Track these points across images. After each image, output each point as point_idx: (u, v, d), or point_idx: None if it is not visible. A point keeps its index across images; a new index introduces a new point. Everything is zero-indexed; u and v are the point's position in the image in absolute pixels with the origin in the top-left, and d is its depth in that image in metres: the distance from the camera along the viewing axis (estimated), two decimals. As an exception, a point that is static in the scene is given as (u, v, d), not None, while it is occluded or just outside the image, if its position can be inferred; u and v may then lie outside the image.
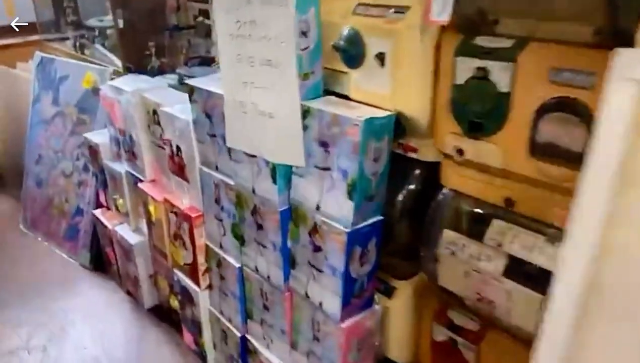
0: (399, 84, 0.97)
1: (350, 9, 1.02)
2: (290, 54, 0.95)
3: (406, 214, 1.13)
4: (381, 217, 1.06)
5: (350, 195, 0.98)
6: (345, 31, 1.02)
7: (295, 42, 0.94)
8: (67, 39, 2.65)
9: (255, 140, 1.09)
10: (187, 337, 1.68)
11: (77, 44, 2.50)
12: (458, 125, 0.93)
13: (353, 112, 0.97)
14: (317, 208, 1.05)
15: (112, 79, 2.00)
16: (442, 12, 0.85)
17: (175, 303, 1.72)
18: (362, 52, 1.00)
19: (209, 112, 1.22)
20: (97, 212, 2.01)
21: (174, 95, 1.52)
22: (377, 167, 1.03)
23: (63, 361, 1.70)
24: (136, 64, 1.93)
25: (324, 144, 1.00)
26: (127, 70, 1.93)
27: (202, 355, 1.62)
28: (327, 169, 1.01)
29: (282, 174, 1.09)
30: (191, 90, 1.25)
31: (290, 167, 1.08)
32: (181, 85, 1.70)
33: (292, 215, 1.12)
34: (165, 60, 1.89)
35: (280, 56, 0.97)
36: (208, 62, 1.73)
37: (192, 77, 1.65)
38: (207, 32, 1.80)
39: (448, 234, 1.00)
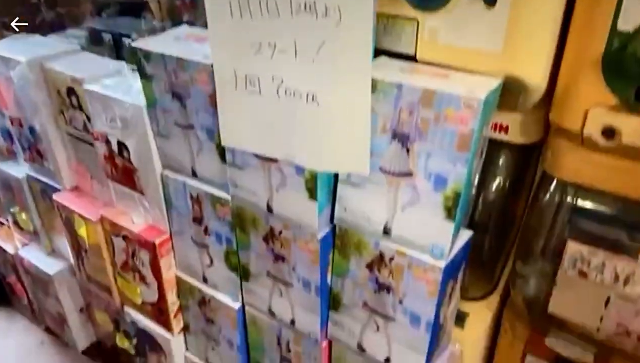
0: (517, 33, 0.61)
1: None
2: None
3: (492, 217, 0.82)
4: (471, 232, 0.74)
5: (448, 212, 0.64)
6: (418, -48, 0.63)
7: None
8: None
9: (280, 137, 0.69)
10: (151, 388, 1.26)
11: None
12: (613, 94, 0.61)
13: (451, 84, 0.61)
14: (386, 231, 0.70)
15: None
16: None
17: (125, 344, 1.28)
18: (451, -14, 0.63)
19: (179, 91, 0.78)
20: (-14, 231, 1.45)
21: (96, 63, 1.02)
22: (480, 163, 0.69)
23: None
24: (16, 19, 1.34)
25: (402, 138, 0.63)
26: (4, 28, 1.33)
27: (176, 409, 1.23)
28: (405, 174, 0.65)
29: (325, 185, 0.71)
30: (142, 58, 0.79)
31: (335, 173, 0.71)
32: (96, 44, 1.19)
33: (336, 243, 0.75)
34: (61, 11, 1.32)
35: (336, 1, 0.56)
36: (133, 9, 1.21)
37: (114, 34, 1.15)
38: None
39: (575, 247, 0.71)
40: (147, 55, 0.78)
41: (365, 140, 0.64)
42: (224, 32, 0.66)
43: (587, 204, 0.70)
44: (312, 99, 0.63)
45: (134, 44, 0.80)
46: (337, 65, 0.61)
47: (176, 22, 1.08)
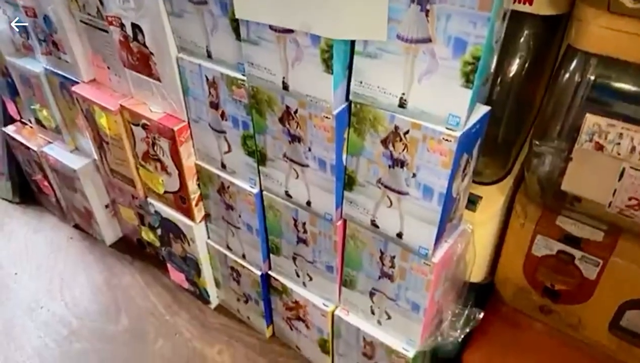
0: None
1: None
2: None
3: (510, 96, 0.80)
4: (489, 108, 0.73)
5: (467, 78, 0.63)
6: None
7: None
8: None
9: (295, 5, 0.67)
10: (176, 276, 1.34)
11: None
12: (647, -49, 0.58)
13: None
14: (401, 105, 0.69)
15: None
16: None
17: (150, 236, 1.35)
18: None
19: (192, -37, 0.75)
20: (10, 130, 1.49)
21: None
22: (502, 29, 0.67)
23: (17, 336, 1.32)
24: None
25: (420, 0, 0.61)
26: None
27: (200, 294, 1.31)
28: (424, 40, 0.64)
29: (341, 57, 0.70)
30: None
31: (352, 44, 0.69)
32: None
33: (352, 120, 0.76)
34: None
35: None
36: None
37: None
38: None
39: (594, 120, 0.70)
40: None
41: (382, 4, 0.62)
42: None
43: (610, 77, 0.69)
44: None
45: None
46: None
47: None
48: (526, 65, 0.79)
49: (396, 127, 0.71)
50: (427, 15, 0.62)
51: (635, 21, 0.62)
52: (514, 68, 0.79)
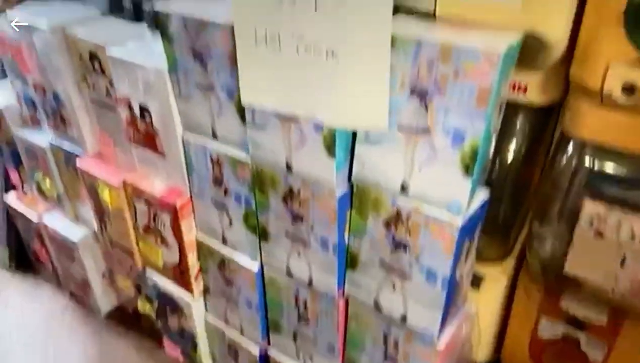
0: (538, -11, 0.61)
1: None
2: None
3: (508, 179, 0.82)
4: (488, 191, 0.75)
5: (466, 168, 0.65)
6: None
7: None
8: None
9: (299, 94, 0.70)
10: (172, 349, 1.31)
11: None
12: (634, 48, 0.61)
13: (470, 39, 0.61)
14: (403, 189, 0.71)
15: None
16: None
17: (147, 308, 1.32)
18: (471, -60, 0.63)
19: (200, 52, 0.79)
20: (10, 198, 1.49)
21: (117, 28, 1.04)
22: (499, 121, 0.70)
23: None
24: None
25: (420, 94, 0.64)
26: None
27: (196, 370, 1.27)
28: (423, 131, 0.66)
29: (343, 143, 0.72)
30: (164, 21, 0.81)
31: (353, 131, 0.72)
32: (117, 10, 1.20)
33: (354, 201, 0.77)
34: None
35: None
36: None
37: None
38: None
39: (592, 206, 0.71)
40: (169, 17, 0.79)
41: (383, 97, 0.65)
42: (245, -10, 0.67)
43: (605, 164, 0.71)
44: (332, 55, 0.64)
45: (155, 7, 0.81)
46: (357, 22, 0.61)
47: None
48: (523, 148, 0.81)
49: (398, 211, 0.72)
50: (426, 108, 0.64)
51: (629, 114, 0.65)
52: (511, 151, 0.81)
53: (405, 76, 0.64)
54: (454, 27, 0.65)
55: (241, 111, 0.80)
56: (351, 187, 0.76)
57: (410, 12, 0.70)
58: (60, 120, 1.16)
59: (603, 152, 0.70)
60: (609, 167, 0.71)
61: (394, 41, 0.62)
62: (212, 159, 0.90)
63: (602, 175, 0.71)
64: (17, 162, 1.40)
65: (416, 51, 0.62)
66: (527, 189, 0.85)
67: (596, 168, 0.71)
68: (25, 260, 1.64)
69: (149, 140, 0.98)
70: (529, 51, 0.66)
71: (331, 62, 0.65)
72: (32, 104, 1.23)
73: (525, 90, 0.75)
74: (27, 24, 1.06)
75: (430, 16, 0.69)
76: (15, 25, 1.09)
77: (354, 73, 0.64)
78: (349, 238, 0.80)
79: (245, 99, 0.76)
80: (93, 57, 0.99)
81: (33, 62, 1.10)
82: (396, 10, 0.69)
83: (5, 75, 1.28)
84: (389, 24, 0.61)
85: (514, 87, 0.75)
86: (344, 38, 0.63)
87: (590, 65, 0.64)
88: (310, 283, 0.88)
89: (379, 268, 0.79)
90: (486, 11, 0.65)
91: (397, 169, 0.70)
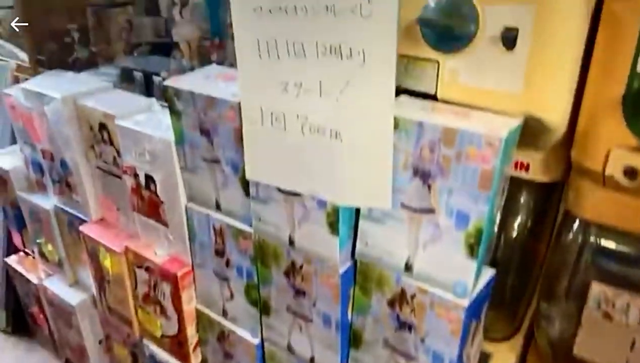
0: (537, 75, 0.63)
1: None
2: (387, 32, 0.57)
3: (514, 255, 0.81)
4: (494, 271, 0.74)
5: (471, 250, 0.64)
6: (439, -3, 0.66)
7: (396, 12, 0.57)
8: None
9: (303, 172, 0.70)
10: (167, 423, 1.25)
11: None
12: (634, 135, 0.62)
13: (472, 123, 0.62)
14: (407, 268, 0.70)
15: (15, 78, 1.47)
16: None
17: (143, 378, 1.28)
18: (472, 29, 0.65)
19: (207, 127, 0.81)
20: (12, 260, 1.48)
21: (127, 99, 1.07)
22: (502, 200, 0.70)
23: None
24: (51, 56, 1.41)
25: (423, 175, 0.65)
26: (39, 65, 1.41)
27: None
28: (427, 211, 0.66)
29: (347, 220, 0.72)
30: (173, 96, 0.83)
31: (357, 208, 0.72)
32: (128, 82, 1.25)
33: (358, 278, 0.76)
34: (95, 49, 1.39)
35: (363, 37, 0.59)
36: (164, 48, 1.27)
37: (145, 72, 1.21)
38: (154, 9, 1.33)
39: (599, 288, 0.70)
40: (178, 92, 0.82)
41: (387, 177, 0.65)
42: (252, 71, 0.69)
43: (611, 244, 0.70)
44: (336, 136, 0.65)
45: (165, 82, 0.83)
46: (360, 104, 0.63)
47: (204, 61, 1.13)
48: (528, 224, 0.80)
49: (402, 290, 0.71)
50: (429, 189, 0.65)
51: (632, 195, 0.65)
52: (516, 227, 0.81)
53: (408, 157, 0.65)
54: (456, 110, 0.66)
55: (245, 185, 0.80)
56: (355, 262, 0.76)
57: (413, 93, 0.72)
58: (66, 185, 1.17)
59: (608, 231, 0.70)
60: (615, 247, 0.70)
61: (397, 123, 0.64)
62: (214, 229, 0.89)
63: (609, 255, 0.70)
64: (21, 225, 1.41)
65: (418, 133, 0.63)
66: (533, 265, 0.83)
67: (602, 248, 0.70)
68: (22, 324, 1.61)
69: (152, 208, 0.98)
70: (530, 132, 0.67)
71: (335, 142, 0.66)
72: (39, 169, 1.25)
73: (527, 168, 0.75)
74: (40, 93, 1.09)
75: (433, 98, 0.71)
76: (29, 94, 1.12)
77: (358, 153, 0.65)
78: (352, 316, 0.79)
79: (250, 175, 0.76)
80: (102, 126, 1.01)
81: (43, 130, 1.13)
82: (399, 91, 0.72)
83: (14, 141, 1.31)
84: (391, 109, 0.62)
85: (517, 166, 0.76)
86: (348, 120, 0.64)
87: (591, 149, 0.65)
88: (312, 360, 0.85)
89: (383, 348, 0.76)
90: (487, 95, 0.66)
91: (401, 247, 0.69)
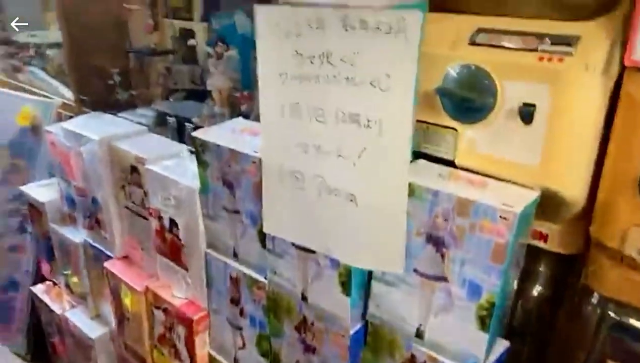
0: (554, 150, 0.63)
1: (465, 37, 0.69)
2: (404, 107, 0.59)
3: (529, 326, 0.79)
4: (508, 343, 0.72)
5: (482, 323, 0.63)
6: (459, 69, 0.68)
7: (413, 89, 0.59)
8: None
9: (318, 230, 0.72)
10: None
11: (9, 66, 2.01)
12: (652, 217, 0.61)
13: (487, 194, 0.62)
14: (419, 334, 0.69)
15: (59, 115, 1.56)
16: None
17: (153, 418, 1.28)
18: (490, 102, 0.66)
19: (230, 179, 0.83)
20: (38, 289, 1.53)
21: (159, 144, 1.11)
22: (517, 272, 0.69)
23: None
24: (94, 96, 1.49)
25: (437, 243, 0.65)
26: (82, 104, 1.49)
27: None
28: (440, 278, 0.66)
29: (359, 281, 0.72)
30: (200, 147, 0.86)
31: (370, 270, 0.72)
32: (162, 125, 1.30)
33: (368, 340, 0.75)
34: (134, 93, 1.47)
35: (380, 109, 0.61)
36: (198, 95, 1.33)
37: (179, 117, 1.26)
38: (192, 59, 1.40)
39: (618, 369, 0.68)
40: (205, 144, 0.85)
41: (400, 242, 0.66)
42: (274, 131, 0.72)
43: (629, 321, 0.68)
44: (352, 199, 0.67)
45: (193, 134, 0.87)
46: (376, 170, 0.64)
47: (234, 110, 1.17)
48: (546, 294, 0.79)
49: (413, 356, 0.70)
50: (442, 257, 0.65)
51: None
52: (533, 296, 0.79)
53: (422, 224, 0.65)
54: (472, 179, 0.67)
55: (262, 237, 0.82)
56: (366, 323, 0.75)
57: (432, 157, 0.73)
58: (95, 222, 1.21)
59: (627, 307, 0.68)
60: (634, 324, 0.68)
61: (412, 190, 0.65)
62: (231, 277, 0.91)
63: (627, 332, 0.68)
64: (50, 255, 1.46)
65: (433, 201, 0.64)
66: (550, 337, 0.81)
67: (620, 324, 0.68)
68: (41, 352, 1.64)
69: (174, 251, 1.01)
70: (548, 205, 0.67)
71: (351, 205, 0.67)
72: (72, 204, 1.30)
73: (546, 239, 0.75)
74: (78, 134, 1.15)
75: (450, 163, 0.72)
76: (68, 134, 1.18)
77: (373, 217, 0.66)
78: (361, 377, 0.78)
79: (267, 228, 0.78)
80: (133, 168, 1.06)
81: (79, 168, 1.18)
82: (418, 155, 0.73)
83: (54, 174, 1.37)
84: (406, 177, 0.63)
85: (535, 235, 0.75)
86: (364, 184, 0.65)
87: (610, 227, 0.64)
88: (319, 418, 0.84)
89: (391, 413, 0.75)
90: (505, 165, 0.67)
91: (413, 313, 0.69)
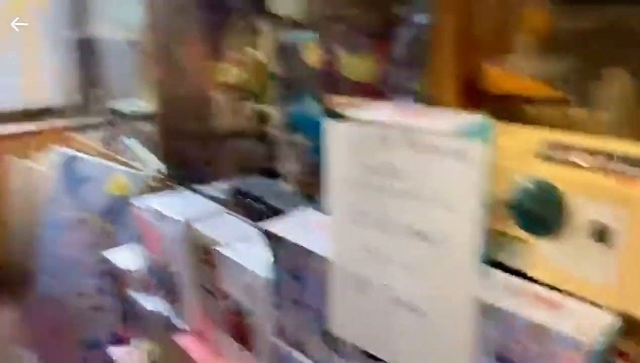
0: (632, 273, 0.61)
1: (534, 150, 0.69)
2: (466, 230, 0.60)
3: None
4: None
5: None
6: (528, 183, 0.68)
7: (477, 212, 0.59)
8: (91, 127, 2.39)
9: (383, 338, 0.72)
10: None
11: (105, 135, 2.23)
12: None
13: (563, 318, 0.60)
14: None
15: (149, 186, 1.68)
16: None
17: None
18: (560, 219, 0.65)
19: (299, 273, 0.86)
20: (112, 350, 1.61)
21: (234, 226, 1.17)
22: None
23: None
24: (180, 170, 1.61)
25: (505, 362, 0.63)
26: (167, 178, 1.61)
27: None
28: (509, 403, 0.63)
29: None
30: (270, 238, 0.90)
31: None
32: (236, 201, 1.37)
33: None
34: (213, 169, 1.57)
35: (445, 226, 0.62)
36: (270, 174, 1.40)
37: (251, 195, 1.33)
38: (266, 139, 1.49)
39: None
40: (275, 237, 0.89)
41: (467, 359, 0.64)
42: (342, 235, 0.74)
43: None
44: (415, 310, 0.67)
45: (265, 227, 0.91)
46: (442, 286, 0.64)
47: (307, 195, 1.22)
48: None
49: None
50: (513, 380, 0.62)
51: None
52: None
53: (489, 343, 0.64)
54: (546, 297, 0.65)
55: (329, 336, 0.83)
56: None
57: (504, 266, 0.72)
58: (170, 294, 1.28)
59: None
60: None
61: (481, 307, 0.64)
62: (295, 369, 0.92)
63: None
64: (127, 320, 1.54)
65: (503, 322, 0.62)
66: None
67: None
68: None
69: (242, 334, 1.04)
70: (629, 327, 0.63)
71: (416, 317, 0.67)
72: (151, 274, 1.38)
73: (628, 359, 0.70)
74: (160, 212, 1.24)
75: (523, 275, 0.70)
76: (150, 210, 1.28)
77: (438, 332, 0.66)
78: None
79: (333, 329, 0.79)
80: (207, 250, 1.12)
81: (159, 243, 1.26)
82: (490, 263, 0.72)
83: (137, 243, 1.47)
84: (474, 295, 0.62)
85: (619, 355, 0.70)
86: (429, 298, 0.65)
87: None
88: None
89: None
90: (580, 283, 0.65)
91: None
